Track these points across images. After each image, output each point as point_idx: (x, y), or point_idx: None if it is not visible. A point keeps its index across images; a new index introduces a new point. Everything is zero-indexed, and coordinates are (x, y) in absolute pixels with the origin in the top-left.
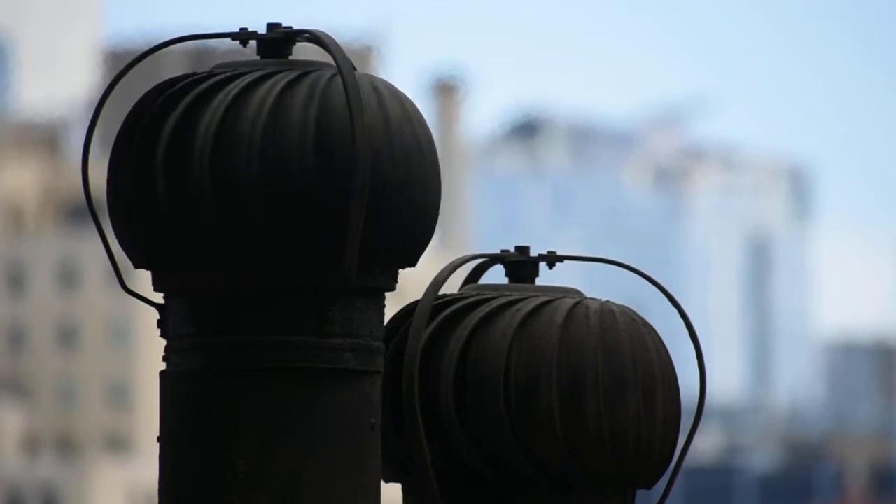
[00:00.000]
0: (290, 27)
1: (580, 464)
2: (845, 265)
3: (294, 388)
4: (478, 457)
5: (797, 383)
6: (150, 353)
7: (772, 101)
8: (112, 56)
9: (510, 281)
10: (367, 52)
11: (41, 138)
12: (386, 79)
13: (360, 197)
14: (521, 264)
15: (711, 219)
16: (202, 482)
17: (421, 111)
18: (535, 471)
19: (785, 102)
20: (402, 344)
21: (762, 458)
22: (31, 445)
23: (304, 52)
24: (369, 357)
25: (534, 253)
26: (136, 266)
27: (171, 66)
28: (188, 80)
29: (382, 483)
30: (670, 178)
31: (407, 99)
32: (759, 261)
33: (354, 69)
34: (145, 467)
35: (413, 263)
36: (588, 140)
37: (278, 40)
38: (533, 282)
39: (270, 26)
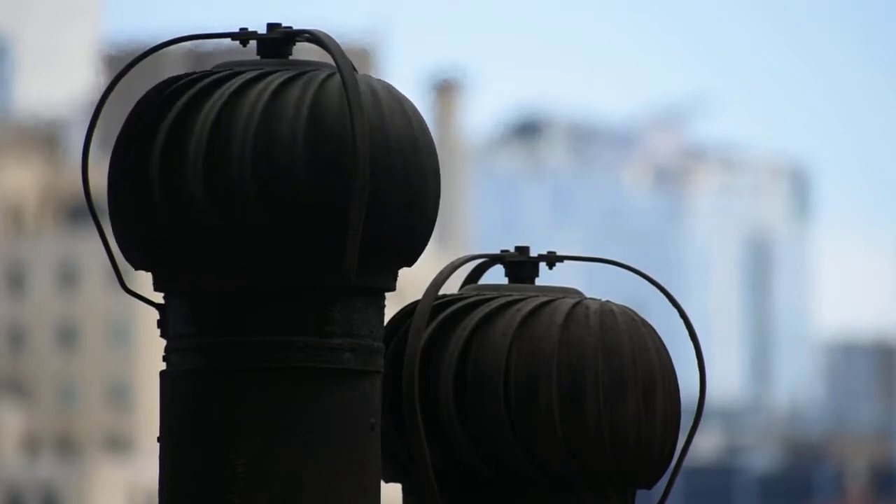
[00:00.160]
0: (290, 27)
1: (580, 464)
2: (845, 265)
3: (294, 388)
4: (478, 457)
5: (797, 383)
6: (150, 353)
7: (772, 101)
8: (112, 56)
9: (510, 281)
10: (366, 52)
11: (41, 138)
12: (386, 79)
13: (360, 197)
14: (520, 264)
15: (711, 219)
16: (202, 482)
17: (420, 111)
18: (535, 471)
19: (785, 102)
20: (402, 344)
21: (762, 458)
22: (31, 445)
23: (304, 52)
24: (369, 357)
25: (534, 253)
26: (136, 268)
27: (171, 67)
28: (186, 80)
29: (382, 483)
30: (670, 178)
31: (406, 99)
32: (759, 261)
33: (354, 69)
34: (145, 467)
35: (412, 263)
36: (588, 140)
37: (278, 40)
38: (533, 282)
39: (270, 26)
